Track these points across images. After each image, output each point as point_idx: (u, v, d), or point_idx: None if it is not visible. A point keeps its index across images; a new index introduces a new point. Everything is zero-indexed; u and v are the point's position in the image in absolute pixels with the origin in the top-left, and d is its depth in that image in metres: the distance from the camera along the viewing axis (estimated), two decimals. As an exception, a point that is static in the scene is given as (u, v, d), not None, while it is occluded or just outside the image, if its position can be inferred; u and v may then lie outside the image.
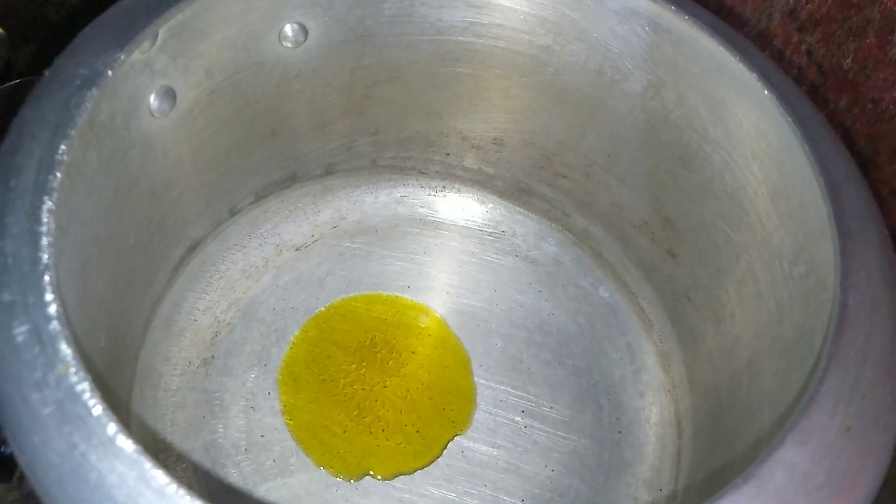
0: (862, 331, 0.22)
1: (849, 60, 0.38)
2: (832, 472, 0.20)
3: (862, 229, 0.25)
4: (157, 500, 0.17)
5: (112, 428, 0.18)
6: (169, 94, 0.33)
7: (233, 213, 0.44)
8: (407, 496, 0.39)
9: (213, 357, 0.41)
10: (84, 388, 0.18)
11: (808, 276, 0.29)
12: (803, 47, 0.41)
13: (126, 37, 0.26)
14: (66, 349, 0.19)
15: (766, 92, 0.29)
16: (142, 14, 0.28)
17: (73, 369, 0.19)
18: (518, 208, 0.48)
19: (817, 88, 0.41)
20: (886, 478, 0.20)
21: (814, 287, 0.28)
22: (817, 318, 0.27)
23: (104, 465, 0.17)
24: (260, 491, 0.38)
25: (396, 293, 0.45)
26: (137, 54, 0.30)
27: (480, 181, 0.48)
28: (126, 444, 0.18)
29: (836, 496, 0.19)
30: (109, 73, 0.25)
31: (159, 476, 0.17)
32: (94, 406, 0.18)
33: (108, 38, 0.26)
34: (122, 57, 0.26)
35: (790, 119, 0.28)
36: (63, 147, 0.23)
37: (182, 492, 0.17)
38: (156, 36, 0.30)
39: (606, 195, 0.44)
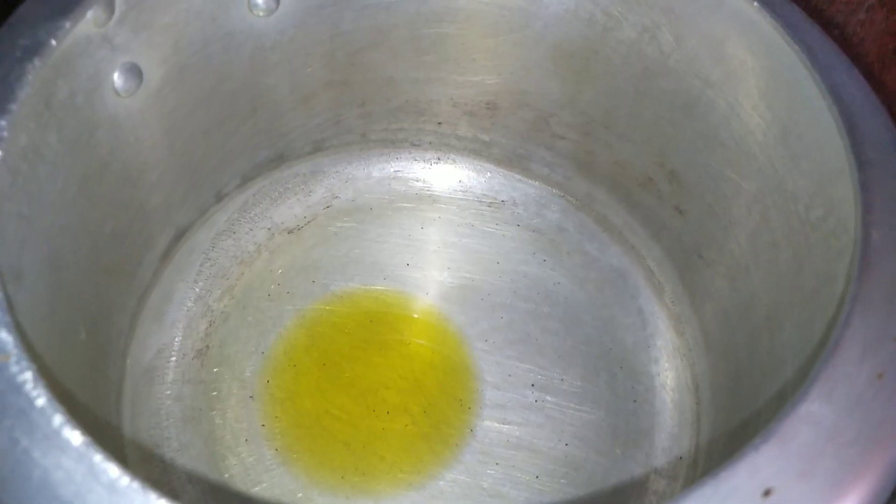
0: (888, 268, 0.20)
1: (810, -12, 0.36)
2: (864, 425, 0.18)
3: (883, 158, 0.23)
4: (107, 495, 0.15)
5: (58, 419, 0.16)
6: (134, 71, 0.31)
7: (219, 197, 0.43)
8: (416, 479, 0.37)
9: (207, 347, 0.40)
10: (26, 378, 0.17)
11: (826, 218, 0.27)
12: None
13: (72, 5, 0.25)
14: (6, 337, 0.18)
15: (768, 20, 0.27)
16: (89, -19, 0.26)
17: (14, 358, 0.17)
18: (517, 175, 0.46)
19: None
20: (925, 428, 0.18)
21: (834, 229, 0.26)
22: (839, 262, 0.25)
23: (49, 461, 0.15)
24: (263, 481, 0.36)
25: (395, 271, 0.43)
26: (93, 27, 0.28)
27: (476, 149, 0.46)
28: (73, 435, 0.16)
29: (870, 451, 0.17)
30: (53, 42, 0.23)
31: (110, 469, 0.15)
32: (37, 397, 0.16)
33: (53, 7, 0.24)
34: (68, 25, 0.24)
35: (797, 48, 0.26)
36: (3, 123, 0.22)
37: (136, 484, 0.15)
38: (112, 7, 0.28)
39: (608, 154, 0.42)
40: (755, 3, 0.28)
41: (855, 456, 0.17)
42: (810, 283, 0.27)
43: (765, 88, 0.30)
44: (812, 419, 0.18)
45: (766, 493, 0.16)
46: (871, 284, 0.20)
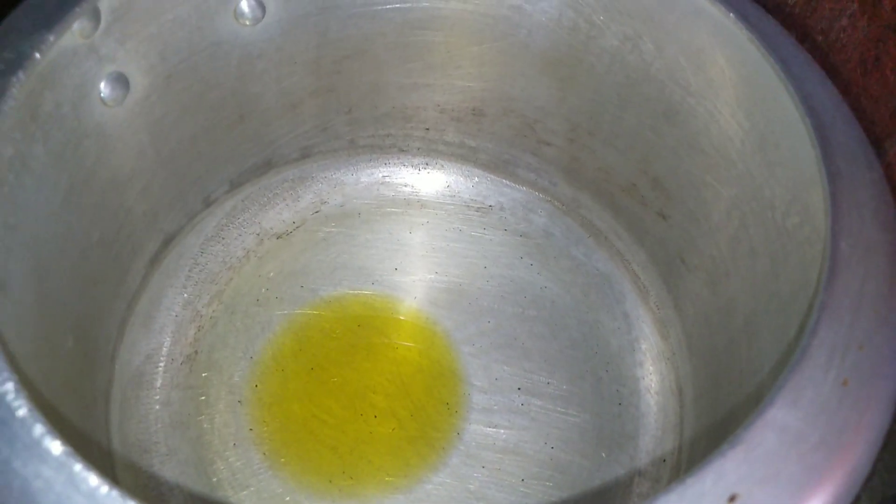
0: (856, 277, 0.21)
1: (792, -5, 0.36)
2: (827, 431, 0.18)
3: (853, 169, 0.23)
4: (87, 503, 0.15)
5: (38, 430, 0.16)
6: (121, 81, 0.32)
7: (207, 203, 0.43)
8: (402, 482, 0.37)
9: (196, 353, 0.40)
10: (7, 389, 0.17)
11: (802, 227, 0.27)
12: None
13: (55, 18, 0.25)
14: (-11, 349, 0.18)
15: (744, 32, 0.28)
16: (74, -7, 0.26)
17: (-3, 370, 0.18)
18: (504, 181, 0.47)
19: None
20: (890, 434, 0.19)
21: (808, 237, 0.27)
22: (813, 270, 0.26)
23: (29, 471, 0.16)
24: (251, 486, 0.37)
25: (383, 276, 0.44)
26: (79, 39, 0.28)
27: (463, 155, 0.47)
28: (53, 445, 0.16)
29: (833, 456, 0.18)
30: (37, 55, 0.23)
31: (90, 478, 0.16)
32: (18, 408, 0.17)
33: (37, 20, 0.25)
34: (52, 38, 0.24)
35: (772, 59, 0.27)
36: (-13, 135, 0.22)
37: (115, 493, 0.16)
38: (98, 18, 0.29)
39: (592, 160, 0.42)
40: (731, 15, 0.28)
41: (819, 461, 0.18)
42: (786, 290, 0.28)
43: (742, 97, 0.31)
44: (778, 425, 0.18)
45: (732, 498, 0.17)
46: (840, 293, 0.20)
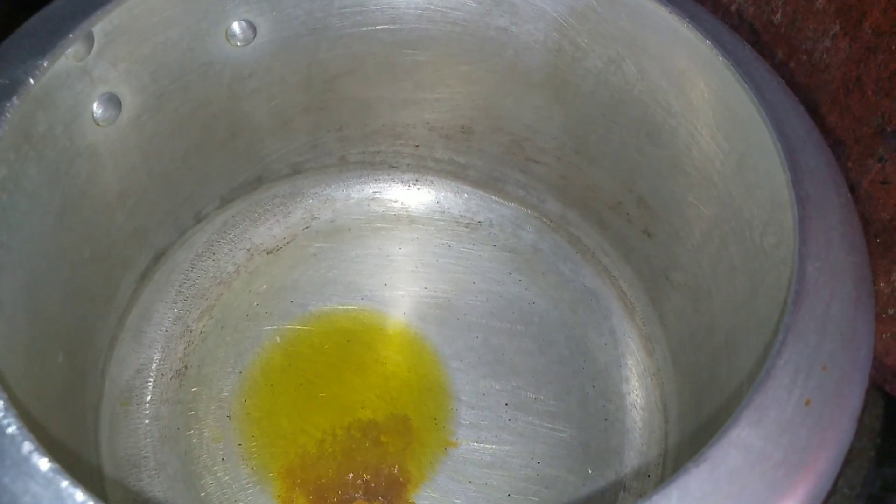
0: (821, 299, 0.21)
1: (778, 15, 0.37)
2: (790, 450, 0.19)
3: (821, 194, 0.24)
4: (72, 519, 0.16)
5: (27, 447, 0.17)
6: (113, 101, 0.32)
7: (198, 219, 0.44)
8: (391, 497, 0.38)
9: (185, 367, 0.41)
10: (-4, 407, 0.18)
11: (778, 247, 0.28)
12: (733, 7, 0.40)
13: (49, 44, 0.25)
14: (-22, 368, 0.18)
15: (720, 59, 0.28)
16: (67, 20, 0.27)
17: (-16, 389, 0.18)
18: (493, 197, 0.47)
19: (752, 46, 0.40)
20: (852, 452, 0.19)
21: (784, 257, 0.27)
22: (788, 290, 0.26)
23: (18, 487, 0.16)
24: (239, 500, 0.37)
25: (373, 291, 0.44)
26: (72, 62, 0.29)
27: (453, 171, 0.47)
28: (41, 462, 0.17)
29: (795, 474, 0.18)
30: (31, 81, 0.24)
31: (77, 494, 0.16)
32: (8, 426, 0.17)
33: (30, 47, 0.25)
34: (45, 64, 0.25)
35: (747, 85, 0.27)
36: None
37: (98, 510, 0.16)
38: (91, 42, 0.29)
39: (579, 177, 0.43)
40: (708, 42, 0.29)
41: (781, 478, 0.18)
42: (763, 308, 0.28)
43: (721, 120, 0.31)
44: (742, 444, 0.18)
45: (696, 515, 0.17)
46: (805, 315, 0.21)
